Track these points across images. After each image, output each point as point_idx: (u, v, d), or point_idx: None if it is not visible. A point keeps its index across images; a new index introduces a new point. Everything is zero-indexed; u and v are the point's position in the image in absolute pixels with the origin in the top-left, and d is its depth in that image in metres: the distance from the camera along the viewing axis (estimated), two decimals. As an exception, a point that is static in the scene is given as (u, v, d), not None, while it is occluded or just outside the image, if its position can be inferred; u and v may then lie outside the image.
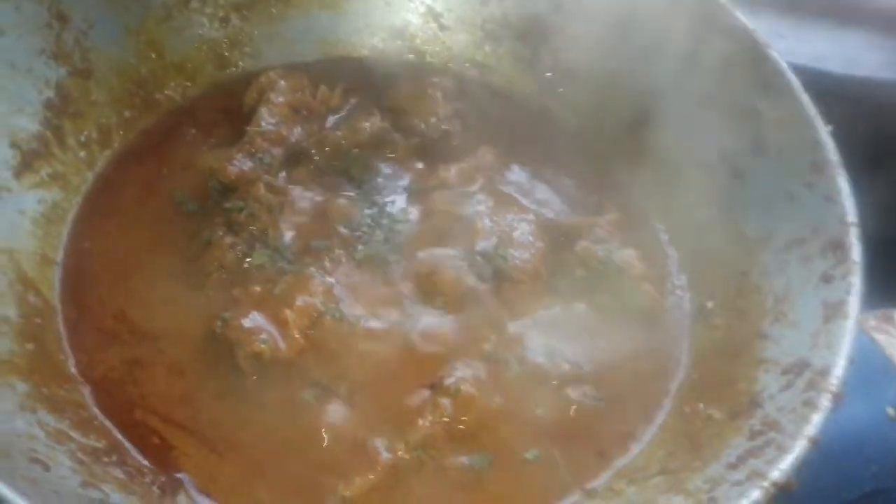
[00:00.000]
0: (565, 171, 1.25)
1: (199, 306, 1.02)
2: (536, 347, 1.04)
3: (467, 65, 1.39)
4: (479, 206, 1.17)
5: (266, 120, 1.17)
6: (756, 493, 0.77)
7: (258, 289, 1.02)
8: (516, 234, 1.13)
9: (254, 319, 0.98)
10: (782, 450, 0.82)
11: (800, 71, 1.12)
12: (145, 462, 0.90)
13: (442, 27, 1.39)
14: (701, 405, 1.00)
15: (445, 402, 0.97)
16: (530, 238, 1.13)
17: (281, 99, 1.20)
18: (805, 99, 1.09)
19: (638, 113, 1.28)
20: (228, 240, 1.04)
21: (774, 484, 0.78)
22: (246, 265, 1.04)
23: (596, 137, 1.32)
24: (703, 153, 1.20)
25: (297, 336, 0.98)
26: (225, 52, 1.29)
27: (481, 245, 1.11)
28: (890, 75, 1.55)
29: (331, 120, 1.25)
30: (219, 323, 0.98)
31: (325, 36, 1.35)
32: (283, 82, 1.22)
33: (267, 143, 1.15)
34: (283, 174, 1.15)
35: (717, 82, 1.17)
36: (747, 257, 1.10)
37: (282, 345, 0.97)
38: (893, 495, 1.11)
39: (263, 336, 0.97)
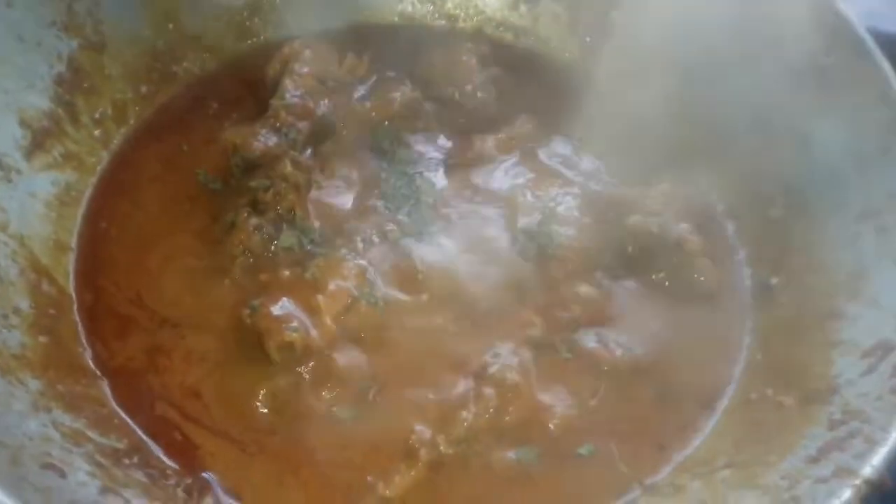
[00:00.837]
0: (611, 139, 1.16)
1: (224, 292, 0.96)
2: (587, 331, 0.96)
3: (501, 28, 1.30)
4: (519, 179, 1.09)
5: (290, 92, 1.09)
6: (846, 493, 0.69)
7: (287, 273, 0.95)
8: (561, 208, 1.05)
9: (284, 306, 0.91)
10: (872, 442, 0.73)
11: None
12: (170, 462, 0.83)
13: (475, -11, 1.30)
14: (769, 391, 0.91)
15: (490, 391, 0.89)
16: (576, 213, 1.05)
17: (306, 69, 1.12)
18: (877, 54, 1.00)
19: (688, 74, 1.19)
20: (254, 221, 0.98)
21: (867, 482, 0.69)
22: (273, 248, 0.97)
23: (642, 102, 1.22)
24: (761, 116, 1.10)
25: (329, 323, 0.91)
26: (246, 22, 1.21)
27: (523, 221, 1.03)
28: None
29: (359, 91, 1.17)
30: (247, 311, 0.91)
31: (351, 2, 1.27)
32: (307, 52, 1.14)
33: (292, 116, 1.08)
34: (309, 149, 1.07)
35: (775, 37, 1.07)
36: (814, 229, 1.01)
37: (313, 333, 0.90)
38: None
39: (294, 324, 0.90)
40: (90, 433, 0.80)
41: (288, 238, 0.98)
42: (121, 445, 0.82)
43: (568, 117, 1.18)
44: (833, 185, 1.01)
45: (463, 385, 0.90)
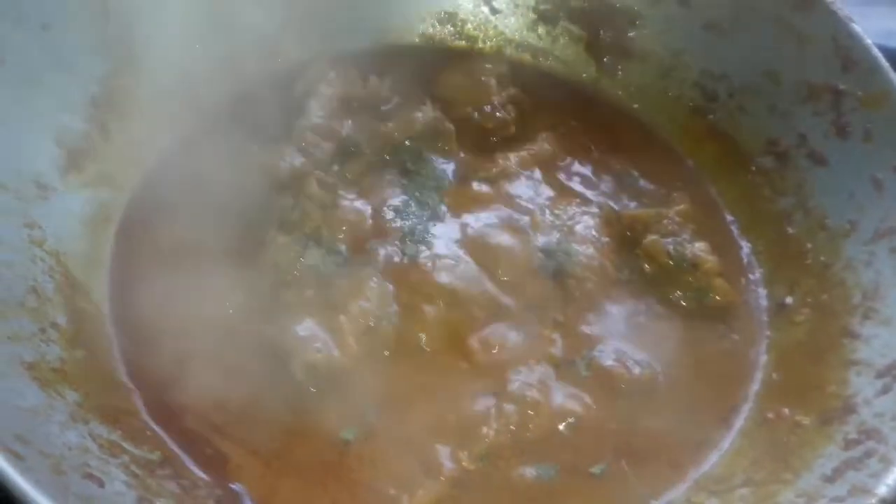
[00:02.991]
0: (629, 159, 1.19)
1: (252, 309, 0.98)
2: (605, 349, 0.98)
3: (520, 49, 1.33)
4: (539, 197, 1.11)
5: (316, 113, 1.12)
6: (862, 512, 0.71)
7: (311, 293, 0.97)
8: (579, 227, 1.07)
9: (308, 327, 0.94)
10: (888, 462, 0.75)
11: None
12: (200, 474, 0.86)
13: (493, 10, 1.33)
14: (786, 410, 0.93)
15: (510, 408, 0.91)
16: (594, 232, 1.07)
17: (330, 91, 1.15)
18: (893, 76, 1.01)
19: (705, 95, 1.22)
20: (282, 239, 1.00)
21: (883, 501, 0.71)
22: (299, 266, 1.00)
23: (660, 123, 1.25)
24: (777, 137, 1.13)
25: (351, 343, 0.94)
26: (272, 44, 1.24)
27: (542, 240, 1.05)
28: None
29: (381, 111, 1.19)
30: (273, 331, 0.94)
31: (372, 23, 1.29)
32: (332, 73, 1.17)
33: (318, 137, 1.10)
34: (335, 168, 1.10)
35: (794, 60, 1.10)
36: (829, 249, 1.03)
37: (335, 353, 0.93)
38: None
39: (318, 345, 0.92)
40: (125, 445, 0.83)
41: (313, 256, 1.00)
42: (154, 457, 0.84)
43: (586, 137, 1.21)
44: (849, 205, 1.02)
45: (484, 402, 0.92)
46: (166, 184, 1.10)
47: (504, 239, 1.06)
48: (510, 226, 1.08)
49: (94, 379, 0.88)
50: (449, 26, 1.32)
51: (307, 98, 1.16)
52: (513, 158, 1.14)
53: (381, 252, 1.03)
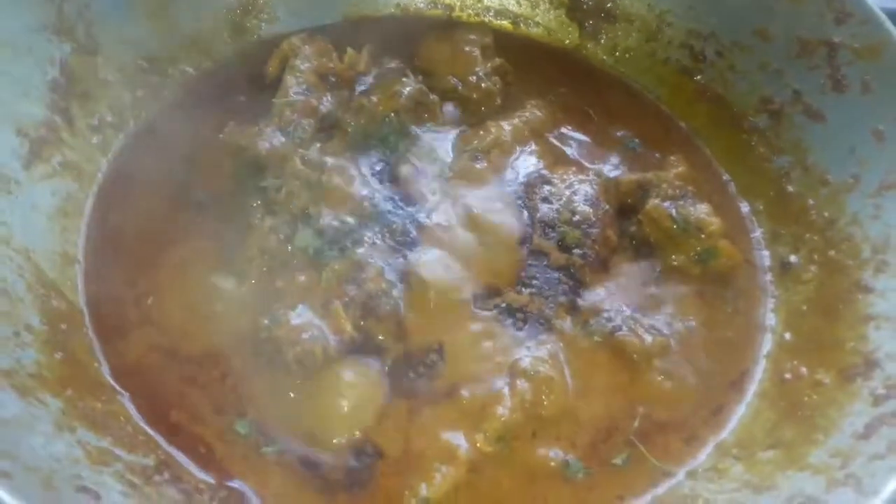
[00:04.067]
0: (621, 124, 1.15)
1: (241, 298, 0.92)
2: (615, 319, 0.95)
3: (500, 17, 1.28)
4: (535, 167, 1.06)
5: (293, 89, 1.06)
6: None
7: (303, 278, 0.92)
8: (579, 196, 1.03)
9: (301, 314, 0.88)
10: (924, 414, 0.72)
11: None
12: (201, 475, 0.80)
13: (471, -23, 1.27)
14: (804, 369, 0.91)
15: (524, 385, 0.87)
16: (595, 201, 1.03)
17: (306, 66, 1.09)
18: (889, 26, 0.99)
19: (693, 56, 1.19)
20: (269, 222, 0.94)
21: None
22: (289, 249, 0.94)
23: (649, 86, 1.21)
24: (770, 94, 1.10)
25: (349, 329, 0.88)
26: (239, 19, 1.17)
27: (543, 210, 1.01)
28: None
29: (361, 85, 1.13)
30: (265, 321, 0.88)
31: (345, -6, 1.23)
32: (306, 48, 1.10)
33: (297, 114, 1.04)
34: (316, 146, 1.03)
35: (785, 15, 1.07)
36: (833, 205, 1.01)
37: (332, 340, 0.87)
38: None
39: (313, 333, 0.87)
40: (117, 451, 0.76)
41: (303, 238, 0.94)
42: (149, 462, 0.78)
43: (575, 104, 1.17)
44: (851, 159, 1.00)
45: (497, 381, 0.88)
46: (135, 171, 1.03)
47: (502, 211, 1.02)
48: (508, 198, 1.03)
49: (75, 382, 0.82)
50: (426, -5, 1.27)
51: (283, 75, 1.09)
52: (505, 127, 1.09)
53: (373, 231, 0.97)
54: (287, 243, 0.94)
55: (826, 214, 1.01)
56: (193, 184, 1.02)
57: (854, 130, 1.00)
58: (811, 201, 1.03)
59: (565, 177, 1.05)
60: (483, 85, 1.15)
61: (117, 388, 0.85)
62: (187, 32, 1.13)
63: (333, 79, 1.12)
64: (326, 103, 1.08)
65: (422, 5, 1.27)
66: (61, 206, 0.95)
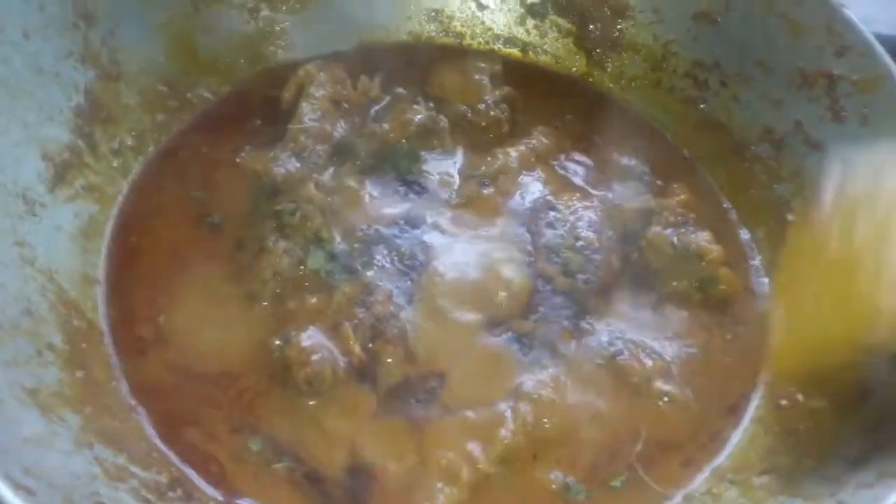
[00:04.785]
0: (626, 151, 1.17)
1: (254, 319, 0.96)
2: (616, 343, 0.97)
3: (509, 45, 1.31)
4: (540, 193, 1.09)
5: (308, 116, 1.09)
6: (893, 497, 0.70)
7: (314, 300, 0.95)
8: (583, 223, 1.06)
9: (311, 336, 0.91)
10: (914, 446, 0.75)
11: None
12: (212, 492, 0.83)
13: (480, 6, 1.31)
14: (800, 396, 0.93)
15: (526, 408, 0.90)
16: (598, 227, 1.06)
17: (321, 93, 1.12)
18: (888, 60, 1.02)
19: (697, 85, 1.21)
20: (282, 245, 0.97)
21: (914, 485, 0.70)
22: (301, 271, 0.97)
23: (653, 114, 1.24)
24: (772, 124, 1.13)
25: (357, 352, 0.91)
26: (257, 46, 1.21)
27: (548, 236, 1.04)
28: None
29: (373, 112, 1.17)
30: (277, 342, 0.91)
31: (359, 23, 1.27)
32: (322, 75, 1.14)
33: (311, 140, 1.08)
34: (330, 171, 1.07)
35: (787, 47, 1.10)
36: (831, 235, 1.03)
37: (342, 362, 0.91)
38: None
39: (322, 354, 0.90)
40: (133, 468, 0.80)
41: (316, 260, 0.98)
42: (163, 479, 0.82)
43: (581, 131, 1.20)
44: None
45: (500, 405, 0.90)
46: (154, 194, 1.07)
47: (507, 236, 1.05)
48: (513, 223, 1.06)
49: (94, 400, 0.85)
50: (436, 23, 1.30)
51: (298, 101, 1.13)
52: (512, 154, 1.13)
53: (383, 255, 1.01)
54: (299, 266, 0.97)
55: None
56: (210, 206, 1.05)
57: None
58: (811, 230, 1.05)
59: (570, 203, 1.08)
60: (492, 112, 1.18)
61: (133, 405, 0.88)
62: (207, 59, 1.16)
63: (347, 106, 1.15)
64: (340, 129, 1.11)
65: (433, 33, 1.30)
66: (83, 227, 0.99)
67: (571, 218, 1.06)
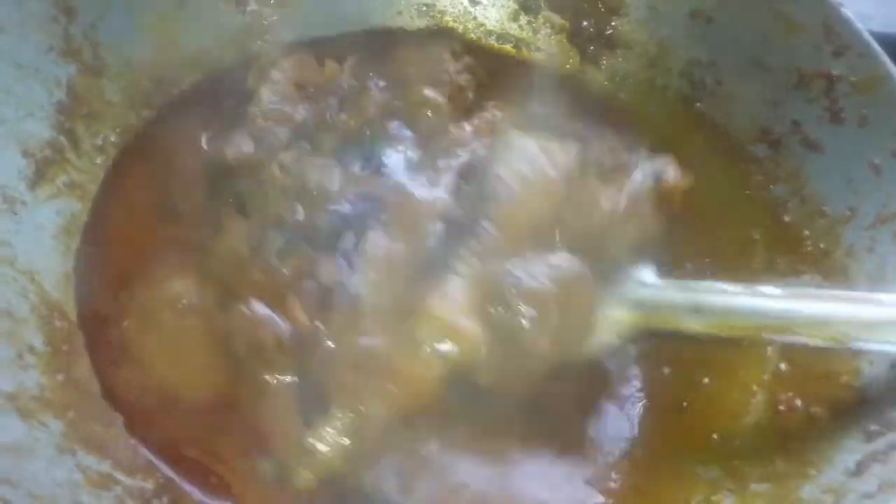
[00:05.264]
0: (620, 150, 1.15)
1: (210, 300, 0.93)
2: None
3: (502, 41, 1.29)
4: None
5: (268, 99, 1.07)
6: None
7: (264, 275, 0.93)
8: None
9: (253, 306, 0.90)
10: (915, 454, 0.73)
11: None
12: (203, 497, 0.81)
13: (473, 2, 1.29)
14: (798, 402, 0.91)
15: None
16: None
17: (283, 76, 1.10)
18: (886, 60, 1.00)
19: (692, 84, 1.20)
20: (240, 225, 0.97)
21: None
22: (260, 251, 0.95)
23: (648, 112, 1.23)
24: (770, 125, 1.11)
25: (304, 321, 0.89)
26: (245, 41, 1.18)
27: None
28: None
29: (339, 96, 1.13)
30: (222, 316, 0.90)
31: (348, 17, 1.24)
32: (285, 60, 1.12)
33: (270, 122, 1.06)
34: (292, 154, 1.04)
35: (784, 46, 1.08)
36: (829, 236, 1.02)
37: (286, 328, 0.89)
38: None
39: (264, 322, 0.88)
40: (117, 475, 0.78)
41: (275, 241, 0.96)
42: (148, 485, 0.79)
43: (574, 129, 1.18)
44: (848, 191, 1.01)
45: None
46: (127, 189, 1.04)
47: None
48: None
49: (76, 405, 0.83)
50: (427, 18, 1.28)
51: (259, 84, 1.10)
52: (469, 126, 1.10)
53: (337, 233, 0.96)
54: (258, 245, 0.95)
55: (822, 246, 1.02)
56: (173, 195, 1.03)
57: (851, 163, 1.01)
58: (807, 232, 1.04)
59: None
60: (454, 82, 1.16)
61: (112, 409, 0.86)
62: (192, 54, 1.14)
63: (312, 90, 1.12)
64: (302, 113, 1.09)
65: (424, 28, 1.28)
66: (66, 226, 0.96)
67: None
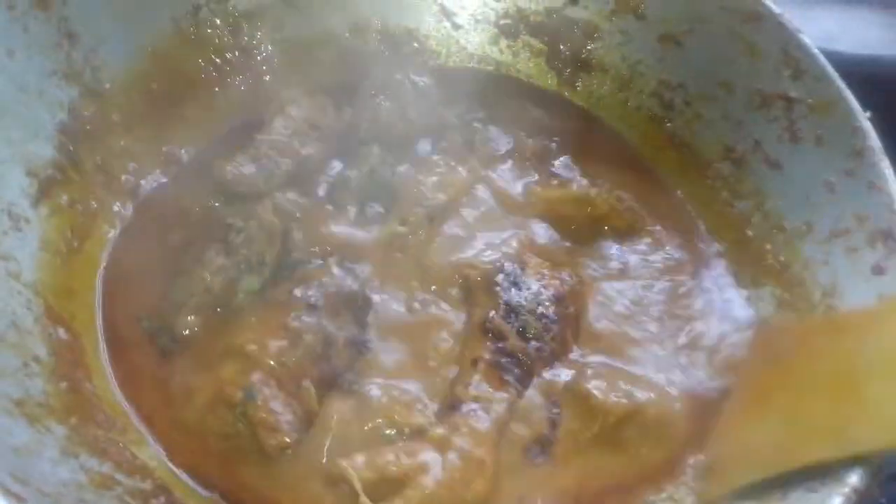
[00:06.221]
0: (600, 169, 1.22)
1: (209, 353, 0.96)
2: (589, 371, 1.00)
3: (483, 64, 1.36)
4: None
5: (278, 130, 1.13)
6: (837, 501, 0.75)
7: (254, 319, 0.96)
8: (548, 292, 1.03)
9: (274, 395, 0.90)
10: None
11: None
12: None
13: (455, 26, 1.35)
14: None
15: (455, 461, 0.88)
16: (563, 300, 1.04)
17: (299, 113, 1.16)
18: (840, 84, 1.06)
19: (663, 104, 1.26)
20: (220, 261, 1.00)
21: (856, 491, 0.75)
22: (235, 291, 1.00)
23: (622, 131, 1.29)
24: (733, 144, 1.18)
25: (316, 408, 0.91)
26: (241, 68, 1.24)
27: (511, 293, 1.03)
28: (897, 52, 1.52)
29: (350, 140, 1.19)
30: (240, 394, 0.90)
31: (336, 36, 1.30)
32: (304, 99, 1.18)
33: (274, 151, 1.11)
34: (290, 194, 1.09)
35: (747, 70, 1.15)
36: (788, 250, 1.08)
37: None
38: None
39: (288, 418, 0.90)
40: (117, 476, 0.83)
41: (252, 283, 0.99)
42: (146, 486, 0.85)
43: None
44: (805, 207, 1.07)
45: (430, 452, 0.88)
46: (139, 209, 1.10)
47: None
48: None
49: (79, 411, 0.88)
50: (414, 43, 1.34)
51: (273, 116, 1.16)
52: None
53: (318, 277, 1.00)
54: (233, 285, 0.99)
55: (782, 259, 1.08)
56: (189, 219, 1.08)
57: (808, 180, 1.07)
58: (768, 246, 1.11)
59: (539, 269, 1.06)
60: (411, 109, 1.19)
61: (113, 415, 0.91)
62: (192, 77, 1.20)
63: (327, 132, 1.17)
64: (309, 149, 1.14)
65: (410, 53, 1.34)
66: (68, 242, 1.01)
67: (538, 286, 1.04)
